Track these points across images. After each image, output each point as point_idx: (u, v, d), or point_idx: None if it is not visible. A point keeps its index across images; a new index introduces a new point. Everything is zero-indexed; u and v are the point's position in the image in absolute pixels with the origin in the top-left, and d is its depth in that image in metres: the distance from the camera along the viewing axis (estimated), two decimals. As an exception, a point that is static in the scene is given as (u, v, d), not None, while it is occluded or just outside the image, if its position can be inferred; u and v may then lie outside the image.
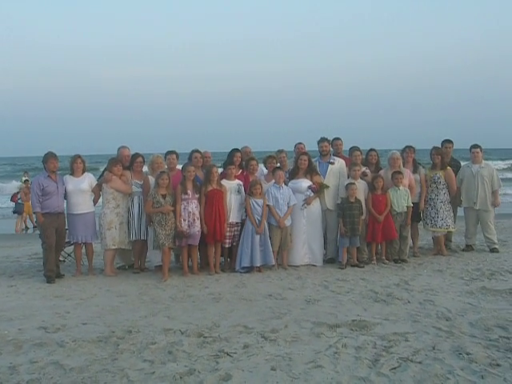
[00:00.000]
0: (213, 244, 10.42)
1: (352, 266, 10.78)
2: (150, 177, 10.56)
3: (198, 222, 10.16)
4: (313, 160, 11.31)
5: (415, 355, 5.67)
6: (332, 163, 11.32)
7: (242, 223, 10.65)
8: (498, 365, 5.38)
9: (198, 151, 11.06)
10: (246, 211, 10.57)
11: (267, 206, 10.58)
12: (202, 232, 10.22)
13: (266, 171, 11.49)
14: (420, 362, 5.47)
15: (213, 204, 10.22)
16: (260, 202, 10.49)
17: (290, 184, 10.97)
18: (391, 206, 11.02)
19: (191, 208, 10.13)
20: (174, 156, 10.95)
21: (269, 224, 10.64)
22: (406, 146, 11.90)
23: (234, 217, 10.54)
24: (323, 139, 11.52)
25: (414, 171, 11.63)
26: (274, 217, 10.61)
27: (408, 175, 11.36)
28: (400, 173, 11.13)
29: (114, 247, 10.48)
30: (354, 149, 11.68)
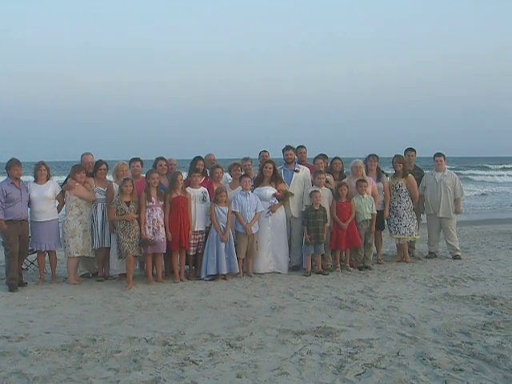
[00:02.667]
0: (177, 251, 10.41)
1: (317, 273, 10.83)
2: (114, 184, 10.50)
3: (162, 230, 10.14)
4: (278, 168, 11.36)
5: (379, 361, 5.73)
6: (297, 171, 11.37)
7: (207, 231, 10.63)
8: (460, 370, 5.46)
9: (162, 158, 11.05)
10: (210, 219, 10.56)
11: (234, 212, 10.61)
12: (167, 239, 10.20)
13: (230, 179, 11.51)
14: (384, 368, 5.53)
15: (178, 211, 10.19)
16: (225, 209, 10.48)
17: (254, 191, 10.98)
18: (356, 214, 11.10)
19: (156, 215, 10.10)
20: (139, 163, 10.89)
21: (236, 231, 10.68)
22: (370, 155, 12.01)
23: (198, 224, 10.51)
24: (288, 147, 11.57)
25: (378, 179, 11.73)
26: (241, 223, 10.62)
27: (371, 183, 11.45)
28: (364, 181, 11.22)
29: (77, 255, 10.37)
30: (318, 156, 11.74)
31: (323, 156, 11.78)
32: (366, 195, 11.18)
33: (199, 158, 11.20)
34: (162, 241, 10.13)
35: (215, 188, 10.74)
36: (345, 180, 11.46)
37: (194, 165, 10.98)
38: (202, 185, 10.81)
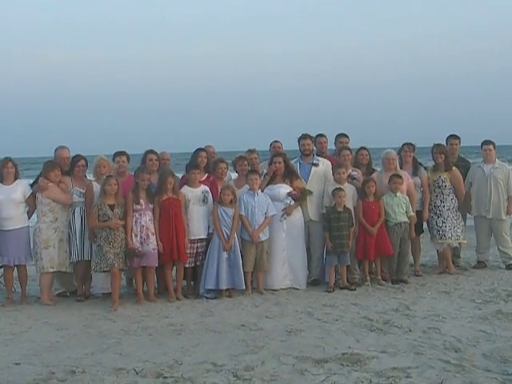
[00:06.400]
0: (171, 264, 10.42)
1: (341, 288, 10.81)
2: (94, 183, 10.51)
3: (153, 238, 10.15)
4: (292, 161, 11.35)
5: (419, 394, 5.72)
6: (316, 165, 11.34)
7: (209, 239, 10.64)
8: (517, 404, 5.45)
9: (153, 152, 11.04)
10: (212, 222, 10.56)
11: (239, 216, 10.58)
12: (159, 250, 10.21)
13: (233, 176, 11.52)
14: (425, 403, 5.52)
15: (169, 216, 10.20)
16: (230, 211, 10.46)
17: (265, 191, 10.94)
18: (387, 216, 11.06)
19: (145, 221, 10.12)
20: (125, 158, 10.87)
21: (241, 239, 10.66)
22: (405, 144, 11.94)
23: (198, 231, 10.52)
24: (305, 136, 11.51)
25: (414, 174, 11.67)
26: (247, 229, 10.60)
27: (407, 179, 11.36)
28: (399, 176, 11.10)
29: (52, 270, 10.37)
30: (344, 147, 11.68)
31: (346, 147, 11.71)
32: (399, 193, 11.12)
33: (201, 149, 11.21)
34: (153, 251, 10.13)
35: (220, 187, 10.75)
36: (374, 175, 11.42)
37: (195, 158, 10.99)
38: (204, 183, 10.78)
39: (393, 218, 11.08)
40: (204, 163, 11.00)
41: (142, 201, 10.10)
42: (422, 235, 12.01)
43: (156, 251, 10.18)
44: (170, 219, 10.21)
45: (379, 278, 11.20)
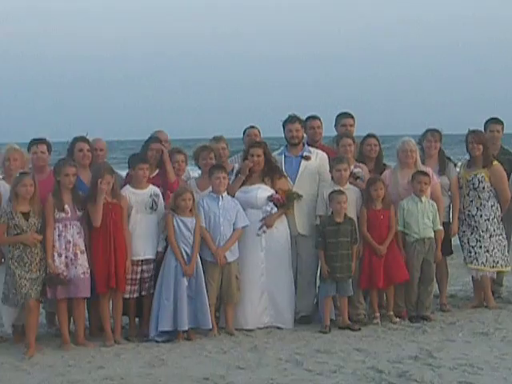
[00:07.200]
0: (108, 294, 10.31)
1: (341, 328, 10.79)
2: (1, 183, 10.42)
3: (83, 259, 10.03)
4: (274, 154, 11.32)
5: None
6: (307, 158, 11.28)
7: (159, 260, 10.55)
8: None
9: (83, 139, 10.92)
10: (166, 237, 10.48)
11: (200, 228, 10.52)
12: (92, 275, 10.08)
13: (197, 174, 11.44)
14: None
15: (106, 227, 10.10)
16: (190, 222, 10.40)
17: (238, 194, 10.92)
18: (408, 229, 11.02)
19: (71, 235, 10.01)
20: (44, 147, 10.78)
21: (202, 260, 10.58)
22: (428, 130, 11.90)
23: (144, 250, 10.45)
24: (292, 119, 11.45)
25: (441, 172, 11.66)
26: (209, 246, 10.55)
27: (431, 178, 11.28)
28: (425, 174, 11.03)
29: None
30: (345, 133, 11.65)
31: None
32: (425, 198, 11.04)
33: (155, 139, 11.18)
34: (83, 277, 10.00)
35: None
36: (385, 173, 11.39)
37: (145, 149, 10.97)
38: (155, 182, 10.75)
39: (415, 233, 11.01)
40: (157, 158, 10.94)
41: (66, 206, 9.98)
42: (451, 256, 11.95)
43: (88, 277, 10.05)
44: (108, 232, 10.11)
45: (391, 313, 11.18)
